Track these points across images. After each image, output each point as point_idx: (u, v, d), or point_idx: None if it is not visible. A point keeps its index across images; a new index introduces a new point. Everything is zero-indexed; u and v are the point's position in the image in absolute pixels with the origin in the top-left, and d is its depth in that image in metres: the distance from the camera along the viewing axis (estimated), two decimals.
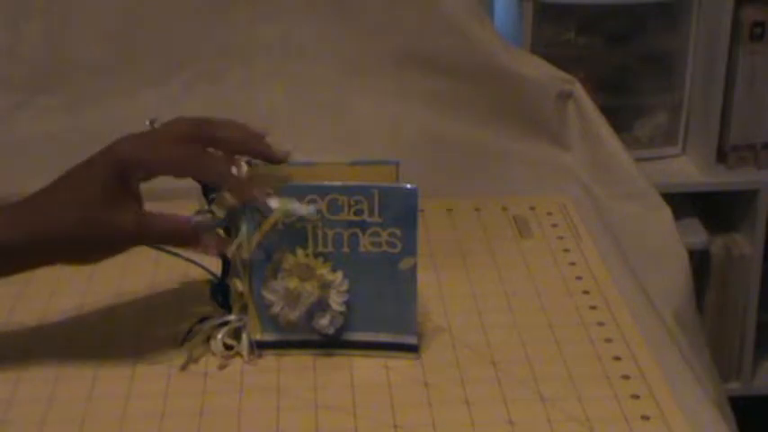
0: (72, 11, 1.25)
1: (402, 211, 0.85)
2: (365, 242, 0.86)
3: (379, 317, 0.88)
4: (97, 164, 0.84)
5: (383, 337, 0.88)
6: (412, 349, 0.88)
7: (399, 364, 0.88)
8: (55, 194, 0.85)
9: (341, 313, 0.87)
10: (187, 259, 0.92)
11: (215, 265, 0.90)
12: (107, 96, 1.25)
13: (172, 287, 0.99)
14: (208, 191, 0.87)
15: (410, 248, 0.86)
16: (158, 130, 0.86)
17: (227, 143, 0.86)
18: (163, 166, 0.84)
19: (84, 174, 0.84)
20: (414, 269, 0.86)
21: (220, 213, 0.86)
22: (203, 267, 0.91)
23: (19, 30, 1.25)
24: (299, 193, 0.85)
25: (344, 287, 0.87)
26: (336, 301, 0.87)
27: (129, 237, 0.84)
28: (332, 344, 0.89)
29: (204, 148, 0.85)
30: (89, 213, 0.83)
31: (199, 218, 0.85)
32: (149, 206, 1.10)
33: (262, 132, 0.88)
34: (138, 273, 1.01)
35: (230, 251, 0.87)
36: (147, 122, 0.86)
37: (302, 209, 0.85)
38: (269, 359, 0.89)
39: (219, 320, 0.90)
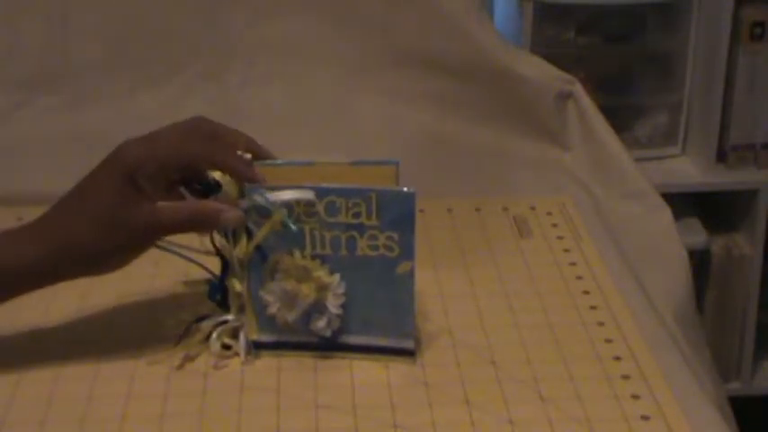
0: (72, 11, 1.25)
1: (400, 215, 0.84)
2: (363, 245, 0.86)
3: (376, 320, 0.88)
4: (104, 170, 0.84)
5: (380, 341, 0.88)
6: (409, 354, 0.88)
7: (399, 364, 0.88)
8: (68, 208, 0.85)
9: (338, 316, 0.87)
10: (187, 258, 0.92)
11: (215, 265, 0.90)
12: (107, 96, 1.25)
13: (172, 287, 0.99)
14: (208, 193, 0.87)
15: (408, 253, 0.85)
16: (161, 130, 0.86)
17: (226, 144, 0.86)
18: (170, 159, 0.84)
19: (93, 183, 0.84)
20: (411, 273, 0.86)
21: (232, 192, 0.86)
22: (203, 267, 0.91)
23: (19, 30, 1.25)
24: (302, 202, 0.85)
25: (341, 290, 0.87)
26: (333, 304, 0.87)
27: (147, 231, 0.84)
28: (329, 346, 0.89)
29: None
30: (103, 219, 0.83)
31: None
32: None
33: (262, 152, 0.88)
34: (138, 272, 1.01)
35: (226, 250, 0.87)
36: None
37: (289, 223, 0.85)
38: (269, 359, 0.89)
39: (217, 320, 0.90)
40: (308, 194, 0.85)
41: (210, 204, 0.85)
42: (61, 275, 0.86)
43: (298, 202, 0.85)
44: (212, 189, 0.86)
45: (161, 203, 0.84)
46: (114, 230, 0.83)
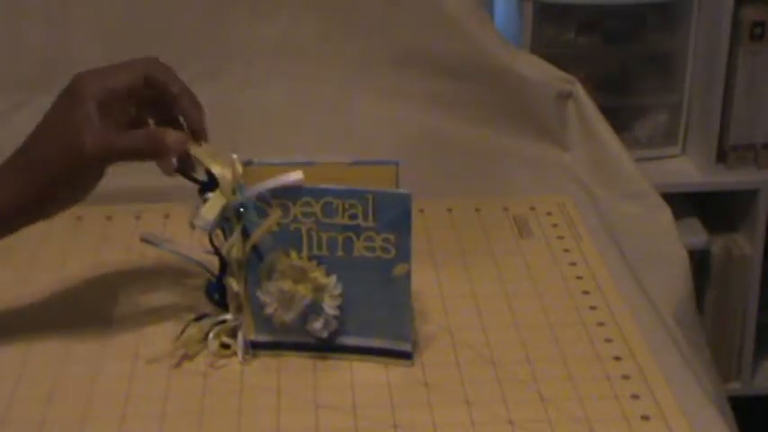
0: (72, 11, 1.25)
1: (396, 217, 0.84)
2: (359, 247, 0.85)
3: (373, 322, 0.88)
4: (60, 101, 0.88)
5: (377, 343, 0.88)
6: (406, 356, 0.88)
7: (399, 365, 0.88)
8: (33, 140, 0.88)
9: (334, 317, 0.87)
10: (185, 257, 0.92)
11: (213, 264, 0.90)
12: None
13: (170, 286, 0.99)
14: (204, 190, 0.87)
15: (404, 254, 0.85)
16: (113, 67, 0.89)
17: (172, 102, 0.88)
18: (116, 80, 0.87)
19: (52, 114, 0.88)
20: (407, 276, 0.86)
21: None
22: (201, 266, 0.91)
23: (19, 30, 1.25)
24: (294, 195, 0.85)
25: (338, 291, 0.87)
26: (330, 305, 0.87)
27: (96, 153, 0.85)
28: (326, 347, 0.89)
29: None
30: (62, 146, 0.85)
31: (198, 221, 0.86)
32: (148, 206, 1.10)
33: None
34: (137, 271, 1.01)
35: (224, 249, 0.87)
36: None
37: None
38: (268, 359, 0.89)
39: (216, 319, 0.90)
40: (296, 176, 0.85)
41: (159, 131, 0.87)
42: (29, 212, 0.87)
43: (294, 201, 0.85)
44: (209, 184, 0.86)
45: (114, 129, 0.86)
46: (67, 156, 0.85)
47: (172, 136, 0.86)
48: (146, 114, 0.90)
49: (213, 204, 0.86)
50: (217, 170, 0.86)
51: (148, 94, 0.88)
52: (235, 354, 0.89)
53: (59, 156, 0.85)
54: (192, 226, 0.86)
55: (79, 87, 0.86)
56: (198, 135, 0.88)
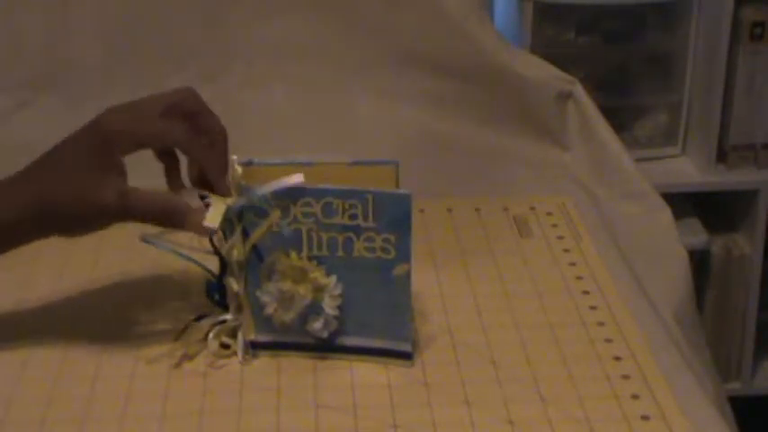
0: (72, 11, 1.25)
1: (396, 217, 0.84)
2: (359, 247, 0.85)
3: (373, 322, 0.88)
4: (84, 136, 0.85)
5: (377, 343, 0.88)
6: (406, 357, 0.88)
7: (399, 365, 0.88)
8: (45, 166, 0.86)
9: (334, 317, 0.87)
10: (185, 257, 0.92)
11: (213, 264, 0.90)
12: (107, 96, 1.24)
13: (171, 285, 0.99)
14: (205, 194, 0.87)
15: (404, 255, 0.85)
16: (145, 100, 0.86)
17: (204, 133, 0.87)
18: (149, 139, 0.85)
19: (71, 147, 0.85)
20: (407, 276, 0.86)
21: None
22: (201, 266, 0.91)
23: (19, 30, 1.25)
24: (294, 196, 0.85)
25: (338, 291, 0.87)
26: (330, 305, 0.87)
27: (111, 211, 0.84)
28: (326, 348, 0.89)
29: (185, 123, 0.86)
30: (75, 185, 0.84)
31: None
32: None
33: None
34: (137, 271, 1.01)
35: (224, 249, 0.87)
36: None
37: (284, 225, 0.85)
38: (268, 359, 0.89)
39: (216, 319, 0.90)
40: (297, 178, 0.85)
41: (181, 204, 0.85)
42: (38, 232, 0.86)
43: (294, 201, 0.85)
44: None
45: (132, 188, 0.84)
46: (84, 201, 0.84)
47: (193, 217, 0.85)
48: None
49: (215, 212, 0.85)
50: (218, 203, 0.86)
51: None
52: (235, 354, 0.89)
53: (73, 192, 0.83)
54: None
55: (109, 129, 0.84)
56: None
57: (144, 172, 0.87)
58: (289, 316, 0.87)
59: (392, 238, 0.85)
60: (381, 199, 0.84)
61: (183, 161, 0.89)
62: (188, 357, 0.89)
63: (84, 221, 0.85)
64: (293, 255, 0.86)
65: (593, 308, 0.97)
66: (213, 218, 0.85)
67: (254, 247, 0.87)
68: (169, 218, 0.85)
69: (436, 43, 1.26)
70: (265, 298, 0.87)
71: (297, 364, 0.88)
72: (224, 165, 0.86)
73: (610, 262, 1.05)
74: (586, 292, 0.99)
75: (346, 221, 0.85)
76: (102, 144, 0.83)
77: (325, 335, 0.88)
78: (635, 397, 0.84)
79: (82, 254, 1.04)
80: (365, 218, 0.85)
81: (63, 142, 0.86)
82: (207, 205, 0.86)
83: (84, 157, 0.84)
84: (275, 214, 0.85)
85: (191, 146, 0.86)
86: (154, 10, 1.26)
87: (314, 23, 1.27)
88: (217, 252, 0.89)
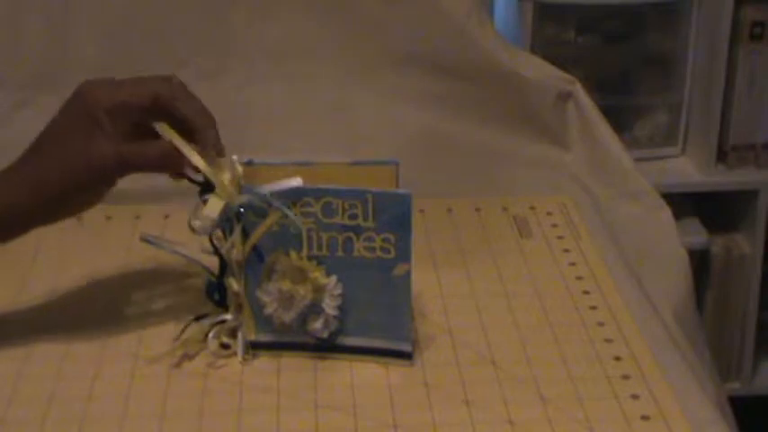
0: (72, 10, 1.25)
1: (396, 217, 0.84)
2: (359, 247, 0.85)
3: (373, 322, 0.88)
4: (67, 109, 0.86)
5: (377, 343, 0.88)
6: (406, 356, 0.88)
7: (399, 365, 0.88)
8: (36, 150, 0.87)
9: (335, 317, 0.87)
10: (185, 257, 0.92)
11: (213, 264, 0.90)
12: None
13: (171, 285, 0.99)
14: (204, 192, 0.87)
15: (404, 255, 0.85)
16: (124, 80, 0.87)
17: (183, 122, 0.87)
18: (131, 97, 0.85)
19: (57, 123, 0.87)
20: (407, 276, 0.86)
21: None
22: (201, 265, 0.91)
23: (19, 29, 1.25)
24: (294, 195, 0.85)
25: (338, 291, 0.87)
26: (330, 305, 0.87)
27: (109, 168, 0.85)
28: (326, 348, 0.89)
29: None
30: (67, 157, 0.84)
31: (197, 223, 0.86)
32: (148, 206, 1.10)
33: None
34: (137, 271, 1.01)
35: (224, 249, 0.87)
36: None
37: (294, 217, 0.85)
38: (268, 359, 0.89)
39: (216, 319, 0.90)
40: (295, 182, 0.85)
41: (177, 148, 0.86)
42: (38, 218, 0.87)
43: (294, 202, 0.85)
44: (208, 185, 0.86)
45: (127, 144, 0.85)
46: (78, 168, 0.84)
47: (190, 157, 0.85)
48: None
49: (212, 207, 0.85)
50: (216, 176, 0.86)
51: (157, 110, 0.87)
52: (235, 354, 0.89)
53: (69, 164, 0.85)
54: (192, 229, 0.86)
55: (88, 95, 0.85)
56: (218, 153, 0.87)
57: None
58: (289, 316, 0.87)
59: (392, 238, 0.85)
60: (381, 199, 0.84)
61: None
62: (188, 357, 0.89)
63: (85, 188, 0.86)
64: (293, 255, 0.86)
65: (593, 308, 0.97)
66: (212, 207, 0.85)
67: (254, 247, 0.87)
68: (168, 160, 0.86)
69: (436, 43, 1.26)
70: (265, 298, 0.87)
71: (297, 364, 0.88)
72: (210, 117, 0.87)
73: (610, 262, 1.05)
74: (586, 292, 0.99)
75: (346, 221, 0.85)
76: (86, 109, 0.85)
77: (325, 335, 0.88)
78: (635, 397, 0.84)
79: (81, 253, 1.04)
80: (365, 218, 0.85)
81: (50, 121, 0.87)
82: (204, 201, 0.86)
83: (71, 127, 0.85)
84: (275, 214, 0.85)
85: (175, 98, 0.86)
86: (154, 10, 1.26)
87: (314, 23, 1.27)
88: (217, 252, 0.89)
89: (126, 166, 0.86)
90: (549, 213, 1.14)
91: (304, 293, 0.86)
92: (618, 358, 0.89)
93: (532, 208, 1.15)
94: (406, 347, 0.88)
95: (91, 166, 0.84)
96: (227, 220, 0.86)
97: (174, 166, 0.86)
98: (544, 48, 1.72)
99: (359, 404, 0.84)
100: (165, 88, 0.87)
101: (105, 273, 1.01)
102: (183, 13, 1.26)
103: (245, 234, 0.87)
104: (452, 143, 1.25)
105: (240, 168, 0.87)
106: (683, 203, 1.83)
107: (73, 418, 0.82)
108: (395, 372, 0.88)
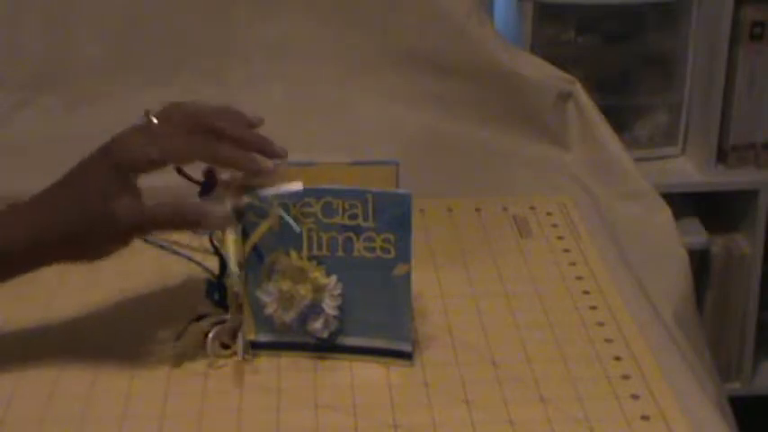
0: (72, 11, 1.25)
1: (396, 217, 0.84)
2: (359, 247, 0.85)
3: (373, 322, 0.88)
4: (98, 160, 0.84)
5: (377, 343, 0.88)
6: (406, 356, 0.88)
7: (399, 365, 0.88)
8: (56, 194, 0.85)
9: (335, 317, 0.87)
10: (186, 257, 0.92)
11: (213, 264, 0.90)
12: (107, 96, 1.25)
13: (171, 286, 0.99)
14: (204, 191, 0.87)
15: (404, 255, 0.85)
16: (156, 126, 0.84)
17: (224, 135, 0.85)
18: (167, 157, 0.83)
19: (85, 170, 0.84)
20: (407, 276, 0.86)
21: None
22: (201, 266, 0.91)
23: (19, 30, 1.25)
24: (294, 196, 0.85)
25: (338, 291, 0.87)
26: (330, 305, 0.87)
27: (131, 227, 0.84)
28: (326, 348, 0.89)
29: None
30: (90, 208, 0.83)
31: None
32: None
33: (256, 120, 0.87)
34: (138, 271, 1.01)
35: (224, 248, 0.87)
36: (143, 115, 0.85)
37: (292, 222, 0.85)
38: (268, 359, 0.89)
39: (216, 319, 0.90)
40: (296, 186, 0.84)
41: (196, 205, 0.85)
42: (48, 259, 0.86)
43: (294, 203, 0.85)
44: (208, 185, 0.86)
45: (147, 205, 0.84)
46: (99, 222, 0.83)
47: (211, 217, 0.84)
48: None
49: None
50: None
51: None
52: (235, 354, 0.89)
53: (90, 225, 0.83)
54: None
55: (122, 157, 0.83)
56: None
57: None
58: (289, 316, 0.87)
59: (392, 238, 0.85)
60: (381, 199, 0.84)
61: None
62: (188, 357, 0.89)
63: (104, 241, 0.85)
64: (293, 255, 0.86)
65: (593, 308, 0.97)
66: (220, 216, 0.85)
67: (254, 247, 0.87)
68: (186, 221, 0.85)
69: (436, 43, 1.26)
70: (265, 298, 0.87)
71: (297, 364, 0.88)
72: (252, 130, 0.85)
73: (610, 262, 1.05)
74: (586, 292, 0.99)
75: (346, 221, 0.85)
76: (116, 168, 0.82)
77: (325, 335, 0.88)
78: (635, 397, 0.84)
79: None
80: (365, 218, 0.85)
81: (76, 167, 0.85)
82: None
83: (98, 182, 0.83)
84: (275, 215, 0.85)
85: (214, 154, 0.84)
86: (154, 10, 1.26)
87: (314, 23, 1.27)
88: (217, 252, 0.89)
89: (144, 232, 0.85)
90: (549, 213, 1.14)
91: (304, 293, 0.86)
92: (618, 358, 0.89)
93: (532, 208, 1.15)
94: (406, 347, 0.88)
95: (115, 222, 0.83)
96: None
97: (192, 225, 0.85)
98: (544, 48, 1.72)
99: (359, 404, 0.84)
100: (202, 145, 0.84)
101: (105, 273, 1.01)
102: (183, 13, 1.26)
103: (245, 234, 0.87)
104: (452, 143, 1.25)
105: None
106: (683, 203, 1.83)
107: (73, 418, 0.82)
108: (395, 372, 0.88)
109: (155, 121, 0.85)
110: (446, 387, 0.86)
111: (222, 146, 0.84)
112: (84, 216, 0.83)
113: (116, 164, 0.83)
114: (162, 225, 0.85)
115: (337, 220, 0.85)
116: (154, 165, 0.84)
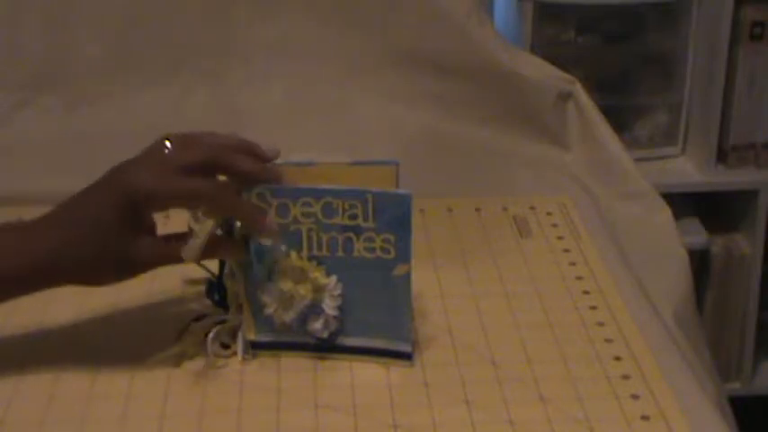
0: (72, 11, 1.25)
1: (396, 217, 0.84)
2: (359, 247, 0.85)
3: (373, 322, 0.88)
4: (110, 190, 0.83)
5: (377, 343, 0.88)
6: (406, 356, 0.88)
7: (399, 365, 0.88)
8: (67, 217, 0.84)
9: (335, 317, 0.87)
10: None
11: (213, 264, 0.90)
12: (107, 96, 1.25)
13: (171, 285, 0.99)
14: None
15: (404, 255, 0.85)
16: (171, 159, 0.83)
17: (240, 173, 0.84)
18: (176, 199, 0.83)
19: (95, 198, 0.83)
20: (407, 276, 0.86)
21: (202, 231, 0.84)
22: (201, 265, 0.91)
23: (19, 30, 1.25)
24: (294, 195, 0.85)
25: (338, 291, 0.87)
26: (330, 305, 0.87)
27: (141, 264, 0.84)
28: (326, 348, 0.89)
29: (216, 176, 0.84)
30: (105, 239, 0.82)
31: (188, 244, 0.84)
32: None
33: (273, 154, 0.86)
34: None
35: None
36: (168, 144, 0.83)
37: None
38: (268, 359, 0.89)
39: (216, 319, 0.90)
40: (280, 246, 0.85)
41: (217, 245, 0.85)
42: (52, 282, 0.85)
43: (294, 201, 0.85)
44: None
45: (162, 241, 0.84)
46: (112, 257, 0.83)
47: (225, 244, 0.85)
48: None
49: (197, 243, 0.84)
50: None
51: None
52: (235, 354, 0.89)
53: (104, 257, 0.83)
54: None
55: (138, 193, 0.81)
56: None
57: None
58: (289, 316, 0.87)
59: (392, 238, 0.85)
60: (381, 199, 0.84)
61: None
62: (188, 357, 0.89)
63: (113, 273, 0.84)
64: (293, 255, 0.86)
65: (593, 308, 0.97)
66: (192, 249, 0.83)
67: (255, 247, 0.87)
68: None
69: (436, 43, 1.26)
70: (265, 298, 0.87)
71: (297, 364, 0.88)
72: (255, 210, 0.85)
73: (610, 262, 1.05)
74: (586, 292, 0.99)
75: (346, 221, 0.85)
76: (130, 201, 0.81)
77: (325, 335, 0.88)
78: (635, 397, 0.84)
79: None
80: (365, 218, 0.85)
81: (85, 194, 0.84)
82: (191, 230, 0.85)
83: (113, 213, 0.82)
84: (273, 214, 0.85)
85: (219, 203, 0.84)
86: (154, 10, 1.26)
87: (314, 23, 1.27)
88: None
89: (157, 265, 0.85)
90: (549, 213, 1.14)
91: (304, 293, 0.86)
92: (618, 358, 0.89)
93: (532, 208, 1.15)
94: (406, 348, 0.88)
95: (127, 258, 0.82)
96: (227, 220, 0.86)
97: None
98: (544, 48, 1.72)
99: (359, 404, 0.84)
100: (212, 190, 0.83)
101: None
102: (183, 13, 1.26)
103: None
104: (452, 143, 1.25)
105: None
106: (683, 203, 1.83)
107: (73, 418, 0.82)
108: (395, 372, 0.88)
109: (168, 146, 0.83)
110: (446, 387, 0.86)
111: (236, 201, 0.84)
112: (92, 245, 0.82)
113: (128, 195, 0.81)
114: (174, 262, 0.85)
115: (337, 220, 0.85)
116: (165, 204, 0.83)
